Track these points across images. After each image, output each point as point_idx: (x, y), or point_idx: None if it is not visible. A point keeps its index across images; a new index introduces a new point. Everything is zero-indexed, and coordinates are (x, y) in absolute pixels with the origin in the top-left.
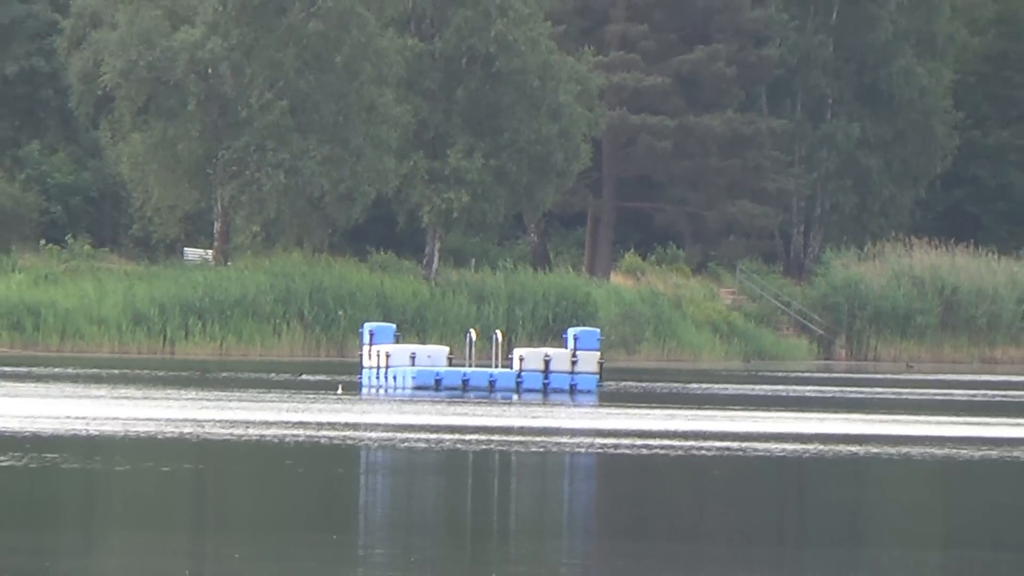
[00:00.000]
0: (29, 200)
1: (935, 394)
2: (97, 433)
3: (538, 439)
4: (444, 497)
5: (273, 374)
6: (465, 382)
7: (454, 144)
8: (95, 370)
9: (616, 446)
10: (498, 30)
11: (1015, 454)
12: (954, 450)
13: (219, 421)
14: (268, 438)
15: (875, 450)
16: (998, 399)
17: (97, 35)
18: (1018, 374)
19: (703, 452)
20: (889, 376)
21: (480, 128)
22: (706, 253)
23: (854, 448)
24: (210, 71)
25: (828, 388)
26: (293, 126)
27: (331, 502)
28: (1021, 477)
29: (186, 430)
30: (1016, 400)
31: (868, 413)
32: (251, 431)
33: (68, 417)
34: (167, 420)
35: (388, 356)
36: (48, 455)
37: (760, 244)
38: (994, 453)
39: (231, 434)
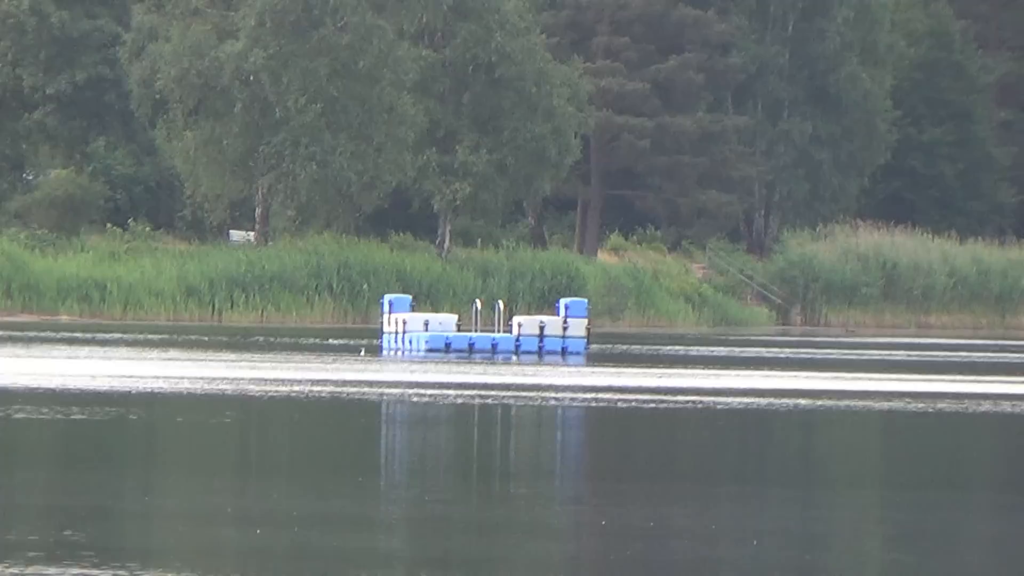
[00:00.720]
0: (95, 189)
1: (877, 355)
2: (154, 390)
3: (534, 394)
4: (453, 445)
5: (305, 339)
6: (471, 345)
7: (462, 141)
8: (152, 336)
9: (601, 400)
10: (498, 42)
11: (963, 407)
12: (892, 403)
13: (258, 379)
14: (300, 394)
15: (824, 403)
16: (931, 359)
17: (154, 47)
18: (949, 337)
19: (677, 405)
20: (837, 340)
21: (484, 127)
22: (680, 234)
23: (806, 401)
24: (252, 78)
25: (785, 350)
26: (323, 125)
27: (356, 449)
28: (948, 426)
29: (229, 387)
30: (947, 360)
31: (819, 371)
32: (285, 388)
33: (129, 376)
34: (213, 378)
35: (405, 323)
36: (111, 409)
37: (726, 226)
38: (927, 406)
39: (268, 390)
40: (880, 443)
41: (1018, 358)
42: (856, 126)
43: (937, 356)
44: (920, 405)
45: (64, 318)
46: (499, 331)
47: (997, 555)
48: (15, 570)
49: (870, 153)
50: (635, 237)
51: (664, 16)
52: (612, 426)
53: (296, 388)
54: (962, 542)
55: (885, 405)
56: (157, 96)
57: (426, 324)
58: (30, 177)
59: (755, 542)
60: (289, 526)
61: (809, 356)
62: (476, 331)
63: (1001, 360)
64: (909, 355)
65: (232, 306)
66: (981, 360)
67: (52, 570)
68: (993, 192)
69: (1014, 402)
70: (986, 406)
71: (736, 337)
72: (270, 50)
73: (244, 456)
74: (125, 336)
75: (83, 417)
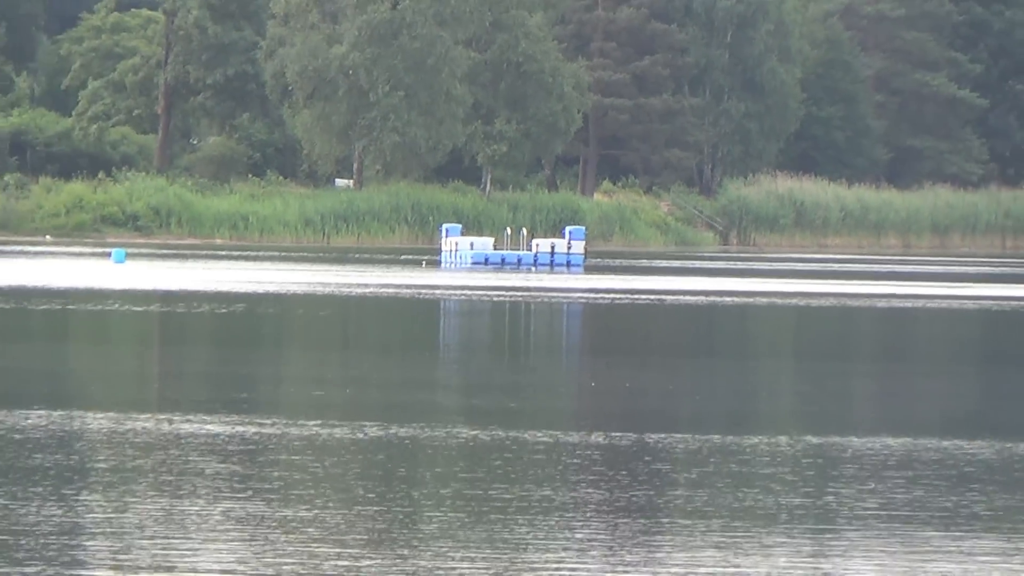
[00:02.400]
0: (240, 150)
1: (787, 266)
2: (282, 291)
3: (546, 294)
4: (490, 329)
5: (387, 255)
6: (503, 260)
7: (498, 115)
8: (280, 253)
9: (595, 298)
10: (523, 47)
11: (845, 303)
12: (796, 300)
13: (354, 283)
14: (381, 292)
15: (751, 300)
16: (826, 269)
17: (282, 51)
18: (840, 254)
19: (649, 300)
20: (761, 255)
21: (514, 106)
22: (652, 181)
23: (739, 299)
24: (351, 72)
25: (724, 263)
26: (402, 105)
27: (419, 332)
28: (833, 316)
29: (334, 288)
30: (838, 269)
31: (747, 277)
32: (372, 289)
33: (265, 281)
34: (323, 283)
35: (456, 244)
36: (252, 304)
37: (684, 175)
38: (821, 302)
39: (362, 290)
40: (789, 327)
41: (888, 269)
42: (775, 105)
43: (830, 267)
44: (816, 301)
45: (218, 241)
46: (523, 250)
47: (876, 408)
48: (186, 418)
49: (785, 124)
50: (620, 183)
51: (641, 28)
52: (602, 316)
53: (379, 289)
54: (849, 399)
55: (792, 301)
56: (284, 85)
57: (471, 244)
58: (195, 142)
59: (697, 397)
60: (373, 385)
61: (741, 267)
62: (507, 250)
63: (874, 270)
64: (812, 267)
65: (336, 232)
66: (861, 270)
67: (214, 419)
68: (871, 152)
69: (886, 300)
70: (860, 303)
71: (690, 254)
72: (365, 53)
73: (335, 336)
74: (261, 253)
75: (227, 310)
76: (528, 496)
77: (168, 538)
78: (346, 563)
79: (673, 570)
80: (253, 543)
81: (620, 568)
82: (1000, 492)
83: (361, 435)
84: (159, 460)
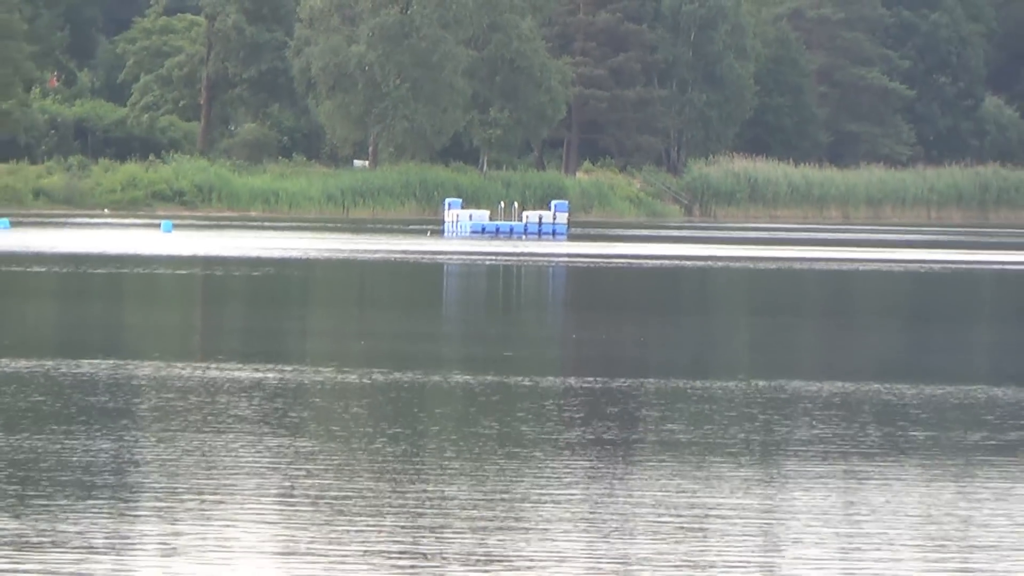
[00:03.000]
0: (271, 135)
1: (743, 235)
2: (306, 257)
3: (534, 259)
4: (485, 289)
5: (398, 226)
6: (497, 230)
7: (493, 104)
8: (306, 224)
9: (576, 262)
10: (516, 45)
11: (792, 266)
12: (752, 264)
13: (368, 250)
14: (392, 258)
15: (712, 264)
16: (777, 237)
17: (308, 49)
18: (788, 225)
19: (623, 264)
20: (719, 225)
21: (507, 96)
22: (626, 161)
23: (704, 263)
24: (367, 68)
25: (689, 232)
26: (410, 96)
27: (424, 292)
28: (780, 278)
29: (349, 255)
30: (785, 237)
31: (708, 244)
32: (384, 254)
33: (292, 248)
34: (341, 249)
35: (457, 216)
36: (280, 269)
37: (654, 157)
38: (769, 265)
39: (375, 256)
40: (743, 287)
41: (829, 237)
42: (732, 96)
43: (779, 236)
44: (766, 265)
45: (252, 213)
46: (515, 220)
47: (817, 356)
48: (221, 366)
49: (740, 112)
50: (598, 164)
51: (616, 29)
52: (583, 277)
53: (391, 254)
54: (794, 349)
55: (746, 264)
56: (309, 79)
57: (470, 216)
58: (232, 128)
59: (664, 347)
60: (383, 338)
61: (702, 235)
62: (501, 221)
63: (817, 238)
64: (762, 235)
65: (354, 205)
66: (805, 238)
67: (245, 366)
68: (815, 136)
69: (826, 263)
70: (804, 266)
71: (659, 224)
72: (379, 51)
73: (360, 295)
74: (289, 224)
75: (260, 273)
76: (515, 432)
77: (207, 468)
78: (353, 487)
79: (639, 496)
80: (275, 471)
81: (596, 492)
82: (923, 428)
83: (371, 380)
84: (197, 402)
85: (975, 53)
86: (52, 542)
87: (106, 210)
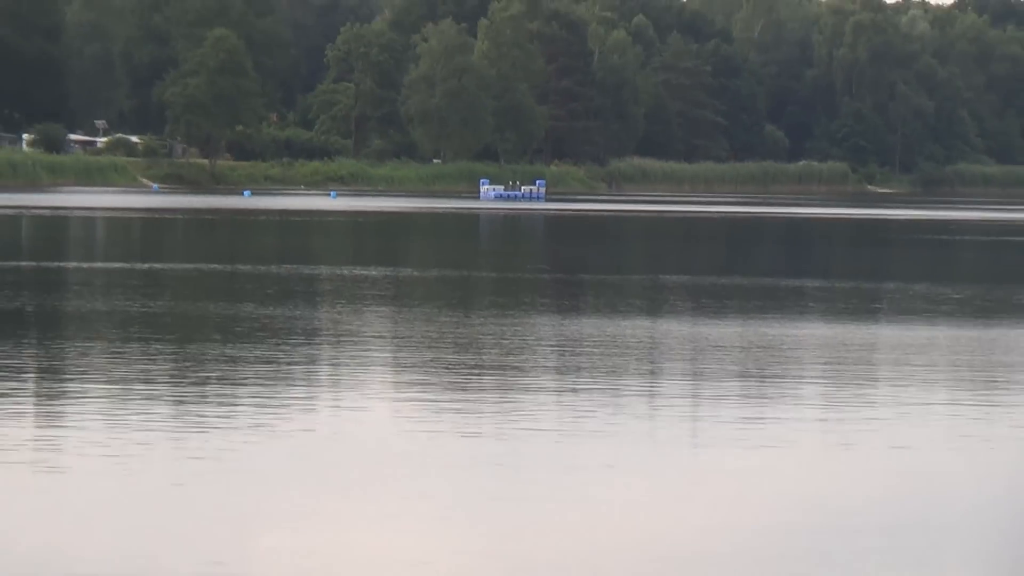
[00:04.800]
0: (388, 146)
1: (638, 200)
2: (403, 209)
3: (527, 211)
4: (489, 232)
5: (455, 193)
6: (508, 196)
7: (506, 129)
8: (406, 193)
9: (552, 215)
10: (519, 99)
11: (664, 215)
12: (643, 215)
13: (439, 207)
14: (449, 211)
15: (621, 215)
16: (655, 200)
17: (409, 102)
18: (661, 196)
19: (574, 214)
20: (626, 195)
21: (513, 126)
22: (576, 160)
23: (618, 215)
24: (439, 111)
25: (608, 198)
26: (462, 125)
27: (451, 237)
28: (663, 222)
29: (427, 209)
30: (660, 201)
31: (620, 204)
32: (445, 208)
33: (392, 207)
34: (423, 207)
35: (486, 189)
36: (381, 218)
37: (592, 156)
38: (655, 215)
39: (441, 210)
40: (639, 226)
41: (683, 201)
42: (632, 125)
43: (656, 200)
44: (649, 215)
45: (379, 188)
46: (516, 191)
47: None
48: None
49: (636, 133)
50: (562, 161)
51: (571, 88)
52: (554, 223)
53: (449, 209)
54: (668, 253)
55: (641, 215)
56: (410, 116)
57: (493, 188)
58: (370, 144)
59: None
60: (434, 265)
61: (617, 199)
62: (508, 191)
63: (677, 202)
64: (648, 200)
65: (434, 183)
66: (670, 201)
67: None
68: (677, 145)
69: (682, 215)
70: (671, 216)
71: (593, 195)
72: (446, 102)
73: (403, 247)
74: (399, 193)
75: (368, 221)
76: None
77: None
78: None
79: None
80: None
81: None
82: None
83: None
84: None
85: (761, 100)
86: None
87: (302, 187)
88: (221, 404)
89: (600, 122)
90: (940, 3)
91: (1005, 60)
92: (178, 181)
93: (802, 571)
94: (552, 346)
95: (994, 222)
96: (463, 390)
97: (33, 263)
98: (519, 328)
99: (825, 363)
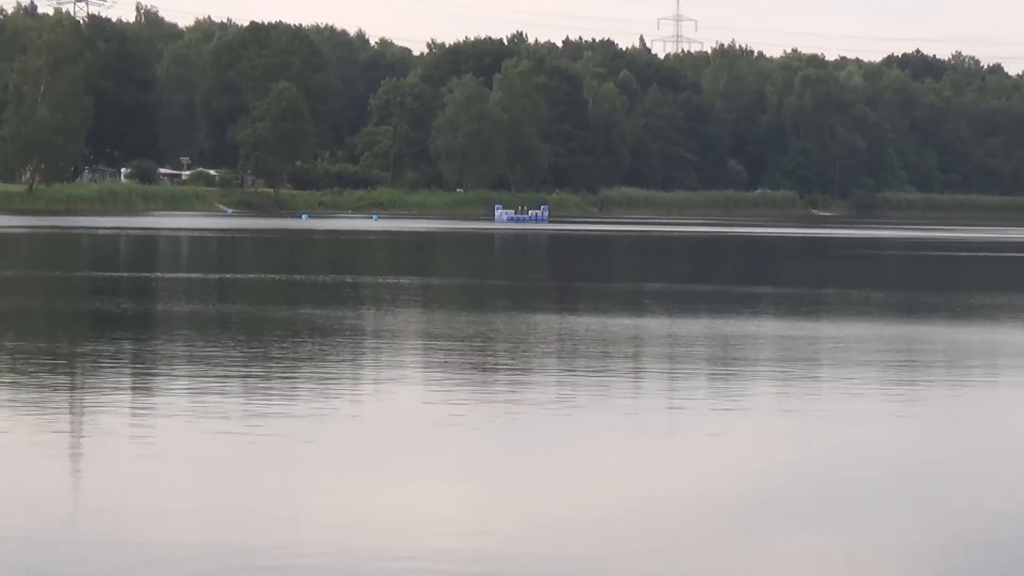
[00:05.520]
0: (420, 177)
1: (624, 222)
2: (426, 230)
3: (533, 231)
4: (502, 248)
5: (474, 216)
6: (519, 219)
7: (516, 163)
8: (434, 217)
9: (554, 234)
10: (526, 141)
11: (647, 235)
12: (628, 234)
13: (459, 228)
14: (469, 231)
15: (610, 234)
16: (638, 222)
17: (437, 141)
18: (643, 218)
19: (574, 233)
20: (615, 218)
21: (522, 161)
22: (573, 189)
23: (606, 233)
24: (463, 149)
25: (600, 220)
26: (480, 160)
27: (471, 252)
28: (644, 240)
29: (448, 230)
30: (641, 222)
31: (609, 225)
32: (464, 229)
33: (417, 228)
34: (446, 228)
35: (499, 212)
36: (410, 237)
37: (586, 186)
38: (637, 235)
39: (461, 230)
40: (623, 244)
41: (660, 223)
42: (620, 160)
43: (638, 222)
44: (632, 234)
45: (413, 212)
46: (525, 214)
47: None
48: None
49: (622, 167)
50: (562, 190)
51: (569, 131)
52: (556, 240)
53: (468, 228)
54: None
55: (627, 234)
56: (439, 152)
57: (505, 212)
58: (406, 176)
59: (596, 282)
60: (450, 272)
61: (606, 221)
62: (518, 214)
63: (654, 223)
64: (632, 223)
65: (458, 208)
66: (648, 223)
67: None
68: (655, 177)
69: (659, 234)
70: (653, 234)
71: (588, 217)
72: (467, 143)
73: (431, 260)
74: (430, 216)
75: (404, 240)
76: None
77: None
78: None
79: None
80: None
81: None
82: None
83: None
84: None
85: (725, 140)
86: None
87: (350, 211)
88: (283, 389)
89: (593, 158)
90: (871, 60)
91: (924, 107)
92: (248, 207)
93: (755, 520)
94: (552, 340)
95: (915, 240)
96: (480, 370)
97: (129, 274)
98: (525, 325)
99: (776, 353)
